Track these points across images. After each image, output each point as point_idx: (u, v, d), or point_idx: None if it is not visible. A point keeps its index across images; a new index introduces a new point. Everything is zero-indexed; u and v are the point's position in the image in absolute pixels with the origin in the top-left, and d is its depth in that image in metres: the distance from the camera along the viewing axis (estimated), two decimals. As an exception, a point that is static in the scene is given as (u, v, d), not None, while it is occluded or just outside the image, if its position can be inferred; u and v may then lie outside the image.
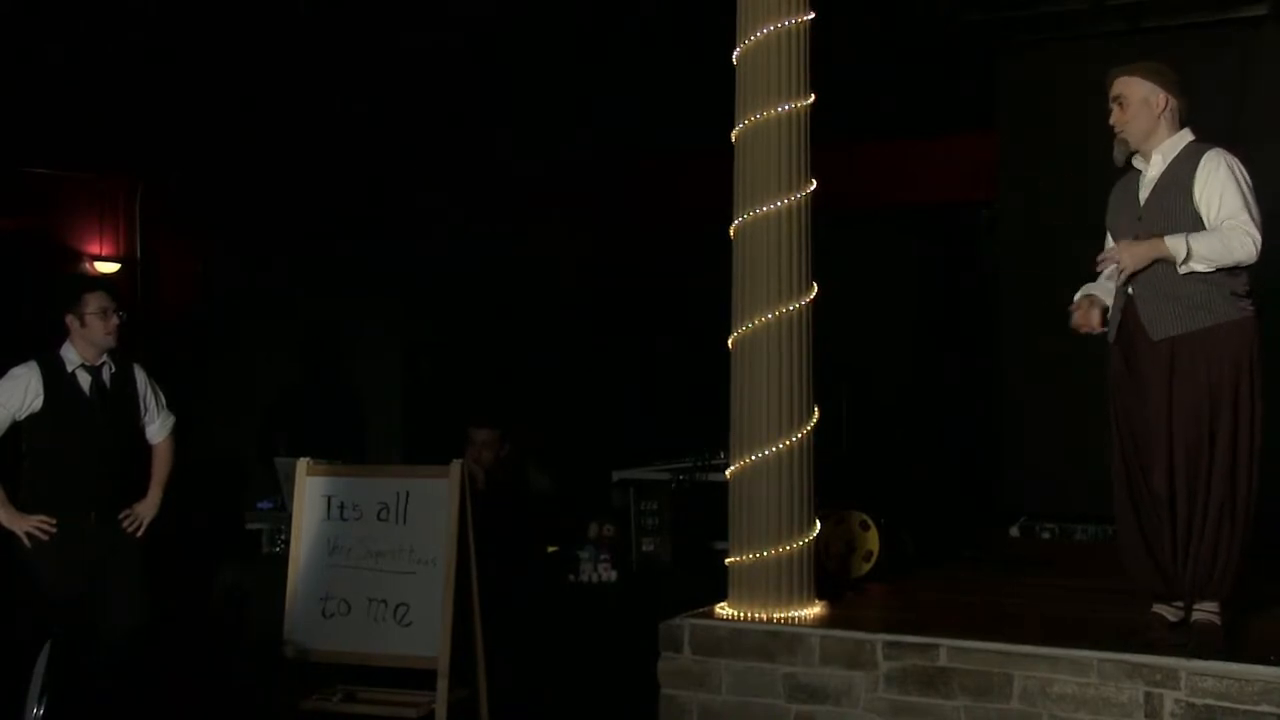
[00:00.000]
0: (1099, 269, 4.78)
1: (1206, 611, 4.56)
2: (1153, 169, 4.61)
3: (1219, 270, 4.43)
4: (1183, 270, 4.42)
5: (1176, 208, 4.50)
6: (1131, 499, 4.69)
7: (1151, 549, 4.64)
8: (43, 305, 5.74)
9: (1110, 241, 4.79)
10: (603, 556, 6.52)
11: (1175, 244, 4.41)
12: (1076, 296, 4.86)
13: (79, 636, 5.09)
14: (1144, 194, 4.62)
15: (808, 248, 5.13)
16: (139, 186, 10.20)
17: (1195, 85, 7.24)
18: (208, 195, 9.97)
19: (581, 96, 9.23)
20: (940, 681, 4.58)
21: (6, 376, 5.32)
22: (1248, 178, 4.48)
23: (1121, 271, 4.57)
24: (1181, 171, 4.51)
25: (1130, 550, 4.72)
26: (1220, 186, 4.42)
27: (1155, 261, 4.47)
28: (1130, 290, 4.60)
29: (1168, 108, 4.59)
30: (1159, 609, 4.68)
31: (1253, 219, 4.40)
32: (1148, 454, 4.58)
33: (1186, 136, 4.60)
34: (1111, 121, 4.66)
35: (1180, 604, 4.64)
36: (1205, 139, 4.62)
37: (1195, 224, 4.46)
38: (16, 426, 5.31)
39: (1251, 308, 4.50)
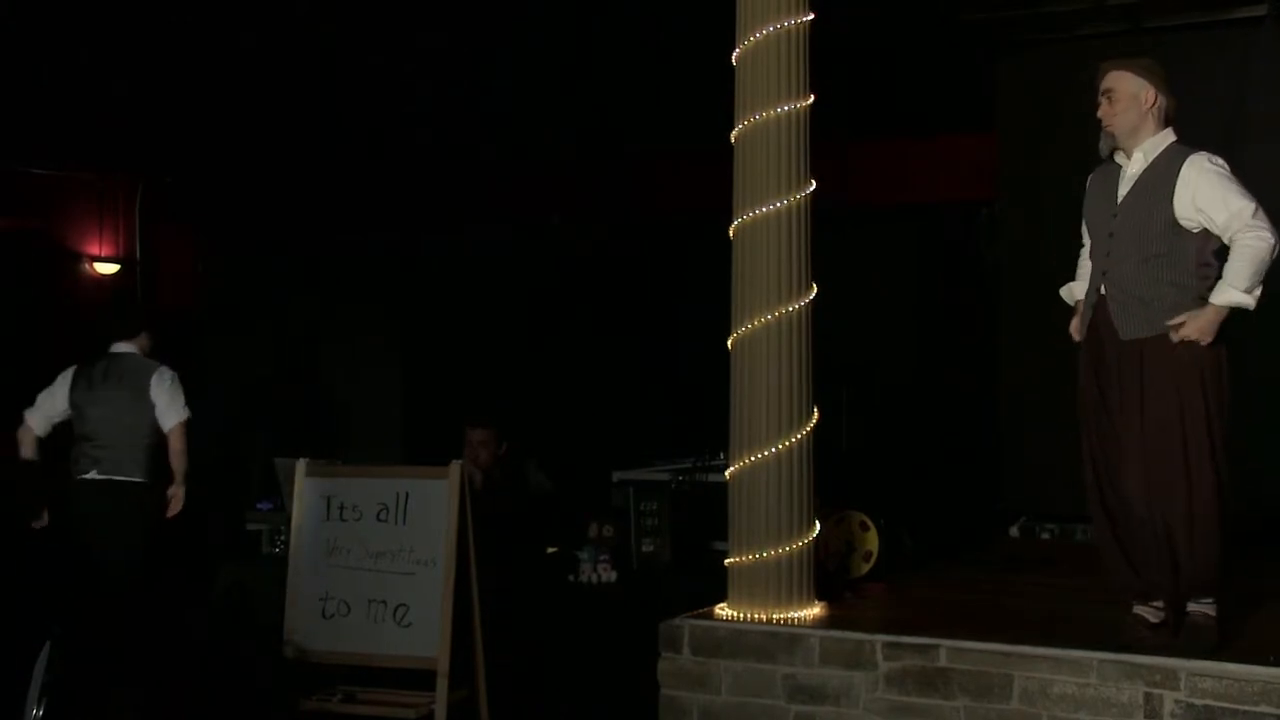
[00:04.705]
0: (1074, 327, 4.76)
1: (1200, 605, 4.54)
2: (1133, 166, 4.61)
3: (1188, 274, 4.44)
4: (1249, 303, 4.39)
5: (1154, 210, 4.49)
6: (1103, 502, 4.67)
7: (1126, 551, 4.62)
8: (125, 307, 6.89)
9: (1085, 232, 4.80)
10: (603, 557, 6.51)
11: (1228, 297, 4.38)
12: (1068, 296, 4.88)
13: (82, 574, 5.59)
14: (1122, 190, 4.62)
15: (807, 248, 5.12)
16: (139, 186, 10.21)
17: (1195, 85, 7.27)
18: (208, 196, 9.98)
19: (581, 96, 9.23)
20: (940, 682, 4.57)
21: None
22: (1228, 169, 4.48)
23: (1188, 339, 4.45)
24: (1162, 174, 4.51)
25: (1106, 553, 4.71)
26: (1218, 191, 4.40)
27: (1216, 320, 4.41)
28: (1103, 290, 4.60)
29: (1155, 105, 4.58)
30: (1140, 610, 4.68)
31: (1255, 206, 4.37)
32: (1116, 455, 4.56)
33: (1169, 137, 4.60)
34: (1099, 114, 4.66)
35: (1159, 604, 4.63)
36: (1194, 140, 4.61)
37: (1169, 227, 4.45)
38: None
39: None
